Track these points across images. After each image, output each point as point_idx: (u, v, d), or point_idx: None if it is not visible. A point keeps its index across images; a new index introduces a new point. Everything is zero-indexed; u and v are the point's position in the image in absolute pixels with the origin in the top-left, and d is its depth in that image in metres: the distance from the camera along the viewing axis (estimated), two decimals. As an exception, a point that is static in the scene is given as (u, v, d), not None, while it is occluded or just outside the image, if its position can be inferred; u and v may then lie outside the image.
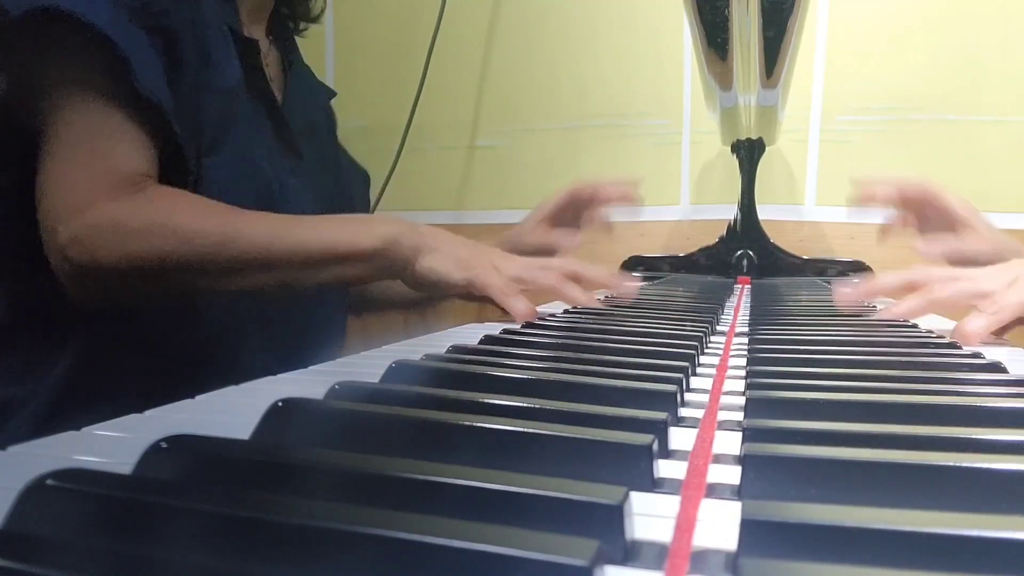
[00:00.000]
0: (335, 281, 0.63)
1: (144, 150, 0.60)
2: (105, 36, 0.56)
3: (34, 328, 0.64)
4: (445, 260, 0.62)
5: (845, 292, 0.67)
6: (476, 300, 0.63)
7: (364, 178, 1.00)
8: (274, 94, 0.75)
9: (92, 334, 0.64)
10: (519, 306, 0.60)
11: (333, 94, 0.93)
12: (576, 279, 0.65)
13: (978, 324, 0.53)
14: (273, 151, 0.74)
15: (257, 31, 0.78)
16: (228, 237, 0.58)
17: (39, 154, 0.58)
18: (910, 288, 0.59)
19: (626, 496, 0.18)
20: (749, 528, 0.16)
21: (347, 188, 0.92)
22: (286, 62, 0.82)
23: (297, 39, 0.88)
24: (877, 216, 0.89)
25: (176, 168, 0.63)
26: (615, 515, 0.17)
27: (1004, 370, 0.37)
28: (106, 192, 0.56)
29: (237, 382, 0.35)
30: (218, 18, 0.68)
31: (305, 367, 0.40)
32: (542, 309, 0.72)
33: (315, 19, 0.89)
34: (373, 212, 1.33)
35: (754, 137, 1.15)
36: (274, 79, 0.79)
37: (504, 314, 0.62)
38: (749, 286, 1.05)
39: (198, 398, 0.33)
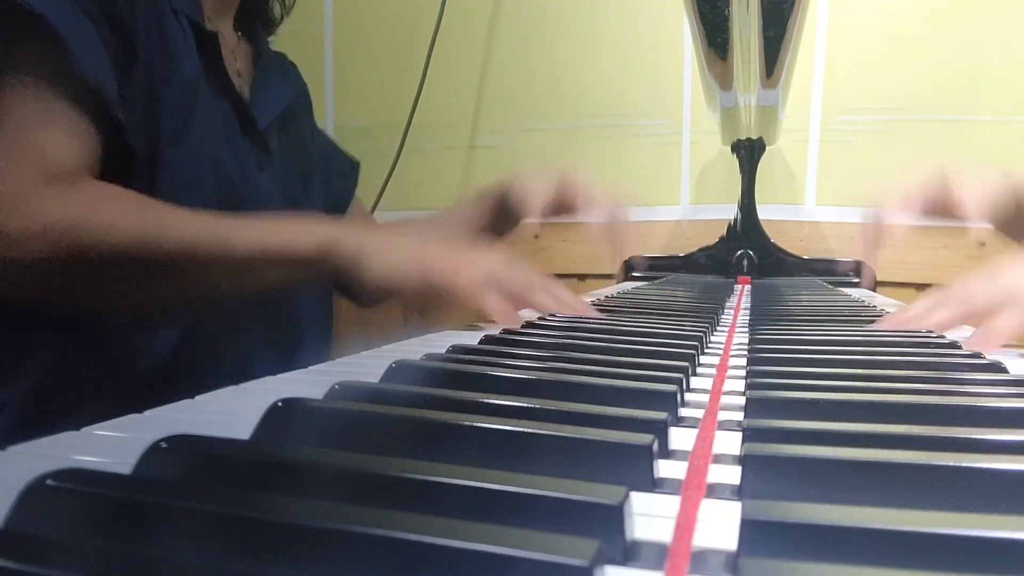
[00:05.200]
0: (271, 288, 0.59)
1: (82, 140, 0.58)
2: (43, 21, 0.54)
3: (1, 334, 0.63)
4: (395, 257, 0.57)
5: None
6: (439, 301, 0.58)
7: (352, 166, 0.96)
8: (237, 88, 0.74)
9: (58, 345, 0.63)
10: (494, 302, 0.54)
11: (303, 86, 0.90)
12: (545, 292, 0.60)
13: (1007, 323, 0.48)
14: (238, 146, 0.72)
15: (223, 25, 0.77)
16: (149, 234, 0.55)
17: None
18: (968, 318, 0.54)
19: (626, 496, 0.18)
20: (749, 528, 0.16)
21: (328, 179, 0.90)
22: (255, 56, 0.81)
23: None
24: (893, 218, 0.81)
25: (124, 158, 0.61)
26: (615, 515, 0.17)
27: (1004, 370, 0.37)
28: (36, 185, 0.54)
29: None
30: (178, 10, 0.66)
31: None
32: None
33: (275, 26, 0.86)
34: (372, 211, 1.33)
35: (754, 137, 1.15)
36: (243, 73, 0.78)
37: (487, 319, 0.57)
38: (749, 286, 1.05)
39: (198, 398, 0.33)
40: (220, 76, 0.71)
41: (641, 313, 0.63)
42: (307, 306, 0.81)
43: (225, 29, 0.77)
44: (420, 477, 0.19)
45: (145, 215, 0.56)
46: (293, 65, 0.90)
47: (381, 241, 0.59)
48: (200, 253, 0.56)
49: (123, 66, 0.60)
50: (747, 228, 1.18)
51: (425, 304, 0.60)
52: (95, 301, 0.59)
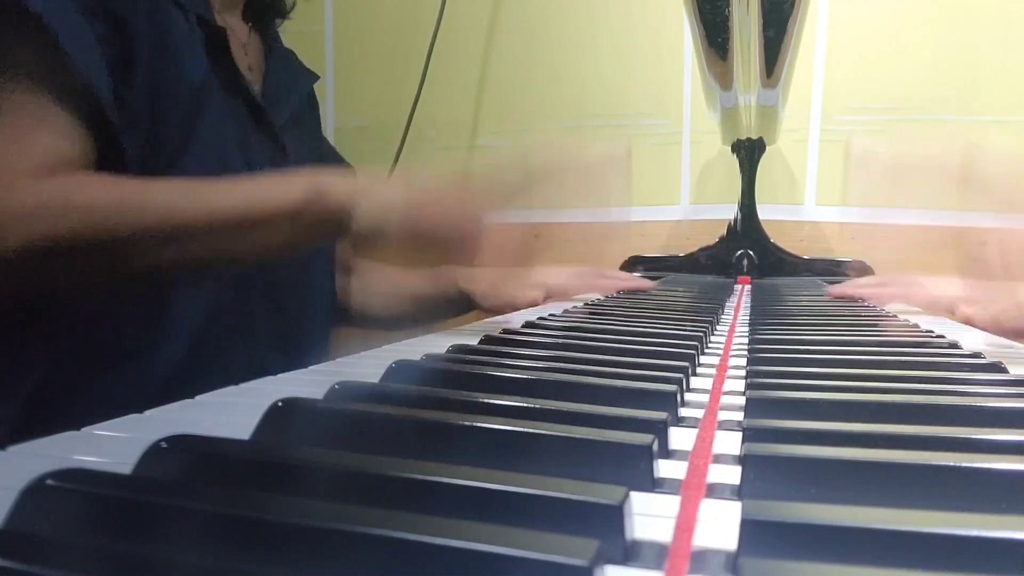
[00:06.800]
0: (260, 249, 0.56)
1: (71, 136, 0.57)
2: (40, 20, 0.54)
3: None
4: (385, 199, 0.55)
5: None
6: (431, 247, 0.56)
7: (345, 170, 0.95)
8: (250, 87, 0.72)
9: (59, 359, 0.62)
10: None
11: (315, 78, 0.89)
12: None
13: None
14: (253, 146, 0.71)
15: (232, 18, 0.75)
16: (128, 208, 0.53)
17: None
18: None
19: (626, 496, 0.18)
20: (749, 528, 0.16)
21: None
22: (267, 51, 0.79)
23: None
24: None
25: (120, 162, 0.60)
26: (615, 515, 0.17)
27: (1004, 370, 0.37)
28: (18, 176, 0.53)
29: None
30: (184, 6, 0.65)
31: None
32: (542, 310, 0.72)
33: (286, 14, 0.85)
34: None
35: (754, 137, 1.15)
36: (254, 68, 0.76)
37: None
38: (749, 286, 1.05)
39: (198, 398, 0.33)
40: (231, 74, 0.70)
41: (641, 313, 0.63)
42: (317, 304, 0.80)
43: (235, 23, 0.76)
44: (420, 477, 0.19)
45: (121, 190, 0.55)
46: (300, 62, 0.89)
47: (369, 184, 0.56)
48: (179, 220, 0.54)
49: (122, 68, 0.59)
50: (747, 228, 1.18)
51: (416, 251, 0.57)
52: (84, 281, 0.57)
